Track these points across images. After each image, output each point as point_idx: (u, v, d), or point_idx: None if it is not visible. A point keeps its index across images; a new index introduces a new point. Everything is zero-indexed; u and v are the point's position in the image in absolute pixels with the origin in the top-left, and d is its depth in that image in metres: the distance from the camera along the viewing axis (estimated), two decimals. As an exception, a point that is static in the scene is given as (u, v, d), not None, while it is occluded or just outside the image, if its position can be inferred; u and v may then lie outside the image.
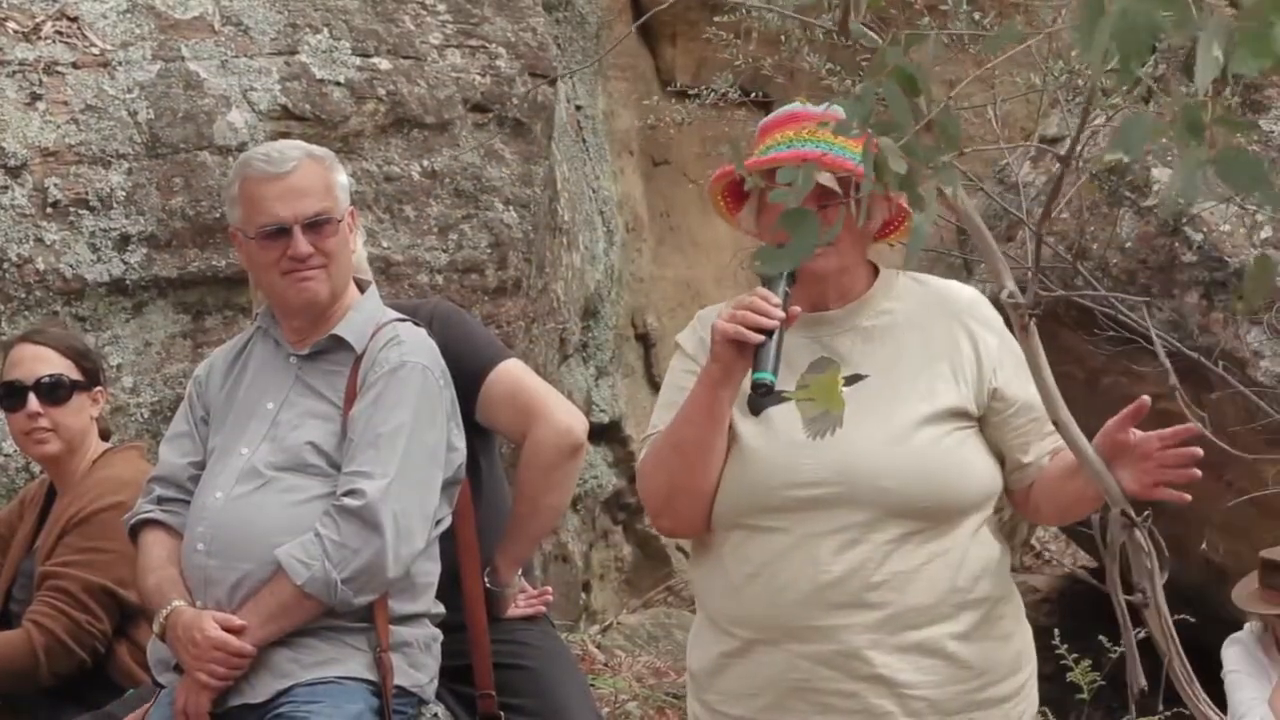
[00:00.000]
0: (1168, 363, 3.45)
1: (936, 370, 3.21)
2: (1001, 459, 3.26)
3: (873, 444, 3.15)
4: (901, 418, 3.17)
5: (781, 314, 3.08)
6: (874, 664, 3.13)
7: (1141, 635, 2.84)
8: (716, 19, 7.84)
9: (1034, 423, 3.20)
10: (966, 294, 3.32)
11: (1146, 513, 2.75)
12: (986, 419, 3.24)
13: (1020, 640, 3.30)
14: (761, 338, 3.07)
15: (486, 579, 4.00)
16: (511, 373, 4.02)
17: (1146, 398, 2.98)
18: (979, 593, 3.19)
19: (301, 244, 3.71)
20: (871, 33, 2.52)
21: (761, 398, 3.08)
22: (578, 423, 4.01)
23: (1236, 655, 5.96)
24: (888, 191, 3.07)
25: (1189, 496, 2.99)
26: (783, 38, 7.51)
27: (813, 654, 3.14)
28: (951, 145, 2.13)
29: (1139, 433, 2.99)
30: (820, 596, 3.13)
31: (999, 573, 3.25)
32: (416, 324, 3.86)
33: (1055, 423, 2.82)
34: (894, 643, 3.13)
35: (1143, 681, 2.79)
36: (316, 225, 3.73)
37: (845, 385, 3.20)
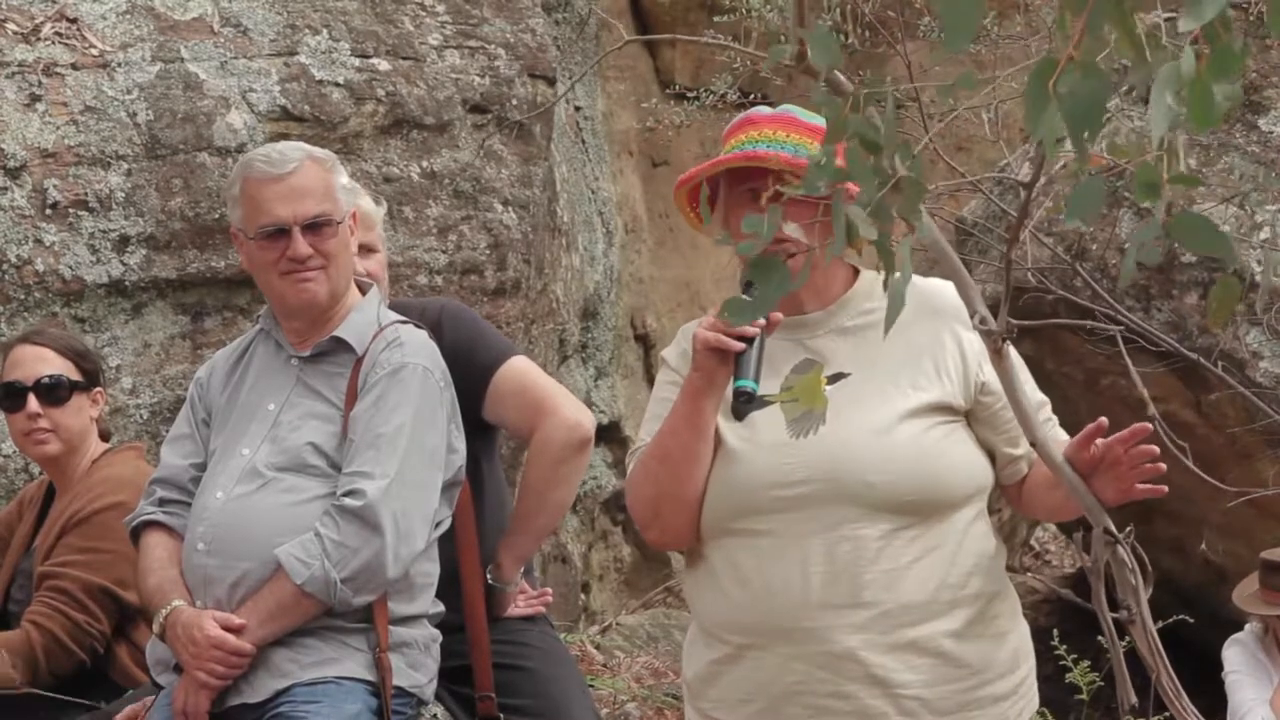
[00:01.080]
0: (1139, 380, 3.46)
1: (919, 366, 3.21)
2: (992, 455, 3.27)
3: (857, 439, 3.15)
4: (885, 413, 3.17)
5: (762, 320, 3.08)
6: (868, 664, 3.12)
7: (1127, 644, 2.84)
8: (716, 19, 7.86)
9: None
10: (951, 293, 3.30)
11: (1129, 529, 2.76)
12: (974, 413, 3.25)
13: (1016, 638, 3.29)
14: (742, 345, 3.07)
15: (489, 575, 4.01)
16: (520, 369, 4.04)
17: (1104, 419, 3.00)
18: (972, 589, 3.19)
19: (300, 245, 3.72)
20: (840, 74, 2.51)
21: (744, 405, 3.09)
22: (586, 418, 4.02)
23: (1237, 656, 5.97)
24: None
25: (1165, 489, 3.01)
26: (782, 38, 7.51)
27: (806, 656, 3.14)
28: (918, 198, 2.14)
29: (1101, 442, 3.00)
30: (811, 597, 3.12)
31: (993, 569, 3.25)
32: (418, 325, 3.86)
33: (1032, 443, 2.83)
34: (887, 642, 3.12)
35: (1133, 699, 2.78)
36: (316, 227, 3.73)
37: (828, 384, 3.20)
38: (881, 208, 2.10)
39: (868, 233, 2.12)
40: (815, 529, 3.13)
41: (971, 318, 2.65)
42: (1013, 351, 2.64)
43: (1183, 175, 1.94)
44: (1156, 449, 3.01)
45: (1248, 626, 6.05)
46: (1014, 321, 2.55)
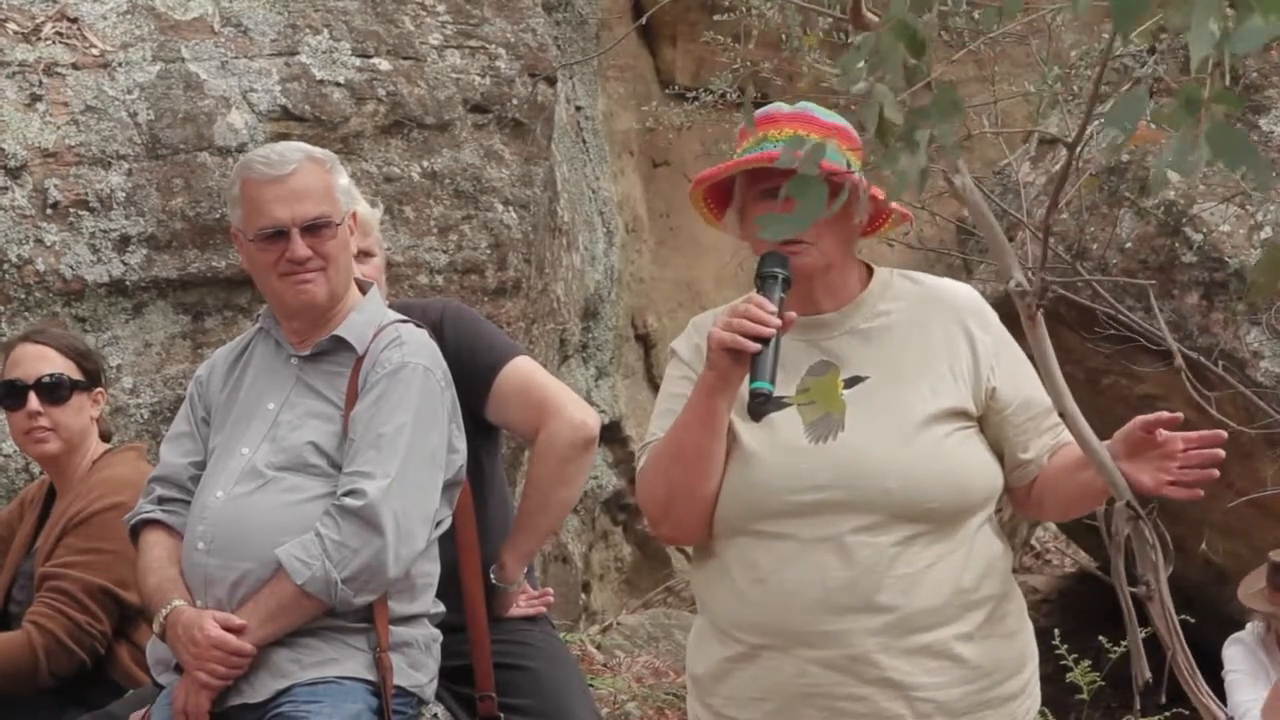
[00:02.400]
0: (1177, 351, 3.44)
1: (936, 370, 3.21)
2: (1001, 457, 3.26)
3: (876, 446, 3.14)
4: (904, 419, 3.16)
5: (778, 321, 3.06)
6: (883, 667, 3.12)
7: (1144, 633, 2.84)
8: (716, 18, 7.85)
9: (1032, 420, 3.21)
10: (963, 292, 3.31)
11: (1152, 505, 2.76)
12: (986, 418, 3.24)
13: (1024, 638, 3.30)
14: (758, 346, 3.06)
15: (493, 575, 4.02)
16: (524, 369, 4.04)
17: (1178, 415, 3.00)
18: (984, 592, 3.19)
19: (299, 246, 3.71)
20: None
21: (760, 406, 3.08)
22: (590, 417, 4.03)
23: (1237, 655, 5.97)
24: (872, 190, 3.08)
25: (1201, 493, 3.01)
26: (783, 37, 7.51)
27: (822, 659, 3.14)
28: (949, 111, 2.12)
29: (1165, 432, 3.00)
30: (828, 601, 3.12)
31: (1002, 571, 3.25)
32: (418, 325, 3.86)
33: (1061, 414, 2.82)
34: (902, 646, 3.13)
35: (1148, 674, 2.78)
36: (315, 228, 3.73)
37: (845, 387, 3.19)
38: (913, 114, 2.07)
39: (894, 116, 2.09)
40: (832, 533, 3.12)
41: (1007, 283, 2.63)
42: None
43: (1224, 93, 1.91)
44: (1222, 454, 3.01)
45: (1248, 625, 6.05)
46: (1050, 279, 2.54)
